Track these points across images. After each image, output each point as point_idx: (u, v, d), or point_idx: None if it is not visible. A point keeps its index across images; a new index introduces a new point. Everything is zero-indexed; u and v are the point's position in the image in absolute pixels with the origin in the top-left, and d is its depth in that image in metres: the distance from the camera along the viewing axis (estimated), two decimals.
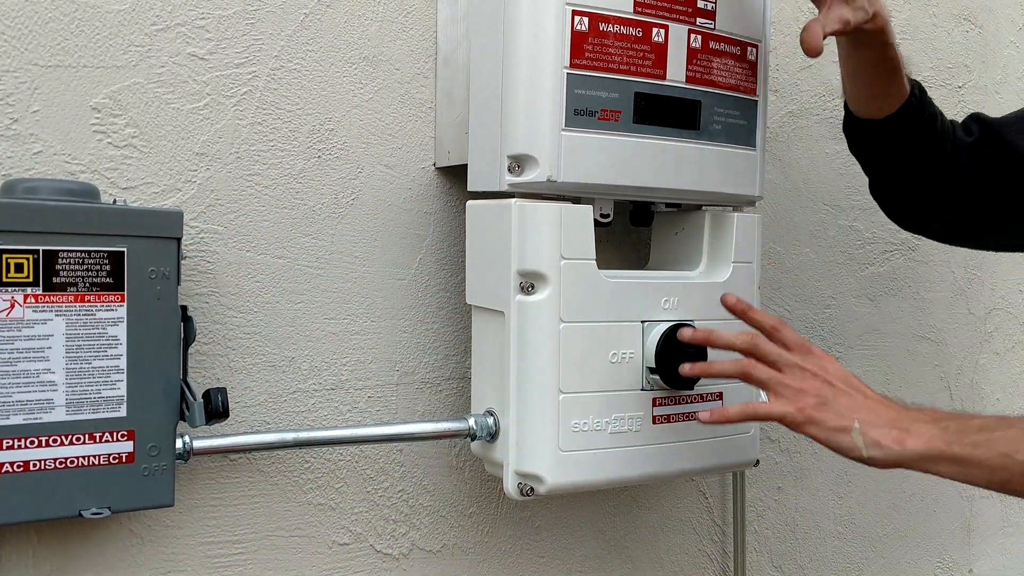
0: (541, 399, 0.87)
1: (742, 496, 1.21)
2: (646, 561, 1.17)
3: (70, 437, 0.76)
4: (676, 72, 0.91)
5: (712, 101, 0.93)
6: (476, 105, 0.90)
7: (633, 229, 1.08)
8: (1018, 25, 1.50)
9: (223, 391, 0.82)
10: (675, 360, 0.90)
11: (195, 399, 0.81)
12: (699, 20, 0.92)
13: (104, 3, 0.84)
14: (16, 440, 0.74)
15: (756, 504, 1.27)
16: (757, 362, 0.84)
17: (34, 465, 0.75)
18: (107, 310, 0.77)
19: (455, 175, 1.00)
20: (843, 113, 1.03)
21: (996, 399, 1.50)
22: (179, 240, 0.80)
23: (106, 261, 0.77)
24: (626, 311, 0.90)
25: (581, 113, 0.86)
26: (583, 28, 0.85)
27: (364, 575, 0.98)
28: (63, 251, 0.75)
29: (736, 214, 0.99)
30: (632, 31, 0.88)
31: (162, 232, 0.79)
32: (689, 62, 0.91)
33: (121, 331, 0.77)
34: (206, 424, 0.81)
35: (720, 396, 0.96)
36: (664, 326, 0.91)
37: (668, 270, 1.02)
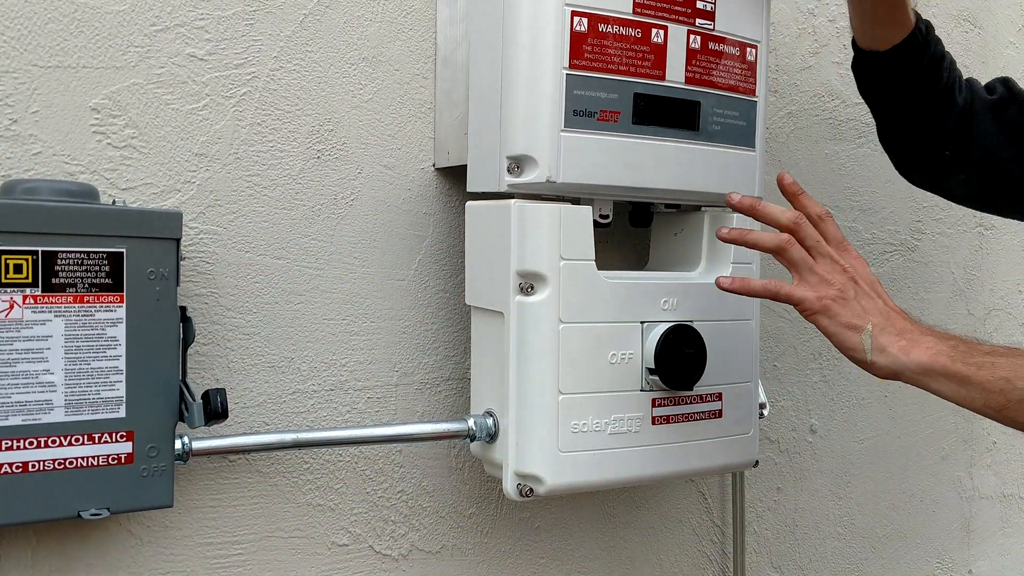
0: (540, 400, 0.87)
1: (741, 497, 1.21)
2: (646, 562, 1.17)
3: (69, 438, 0.76)
4: (675, 73, 0.91)
5: (711, 102, 0.93)
6: (475, 106, 0.90)
7: (632, 230, 1.08)
8: (1017, 26, 1.50)
9: (222, 392, 0.82)
10: (675, 361, 0.90)
11: (194, 400, 0.81)
12: (698, 21, 0.92)
13: (103, 4, 0.84)
14: (15, 441, 0.74)
15: (756, 504, 1.27)
16: (795, 241, 0.84)
17: (33, 466, 0.75)
18: (106, 311, 0.77)
19: (454, 176, 1.00)
20: (852, 55, 1.02)
21: None
22: (178, 241, 0.80)
23: (105, 262, 0.77)
24: (625, 312, 0.90)
25: (580, 114, 0.86)
26: (582, 29, 0.85)
27: None
28: (62, 252, 0.75)
29: (735, 215, 0.99)
30: (631, 32, 0.88)
31: (161, 233, 0.79)
32: (688, 63, 0.91)
33: (120, 332, 0.77)
34: (205, 425, 0.81)
35: (720, 397, 0.96)
36: (663, 327, 0.91)
37: (667, 271, 1.02)
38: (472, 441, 0.91)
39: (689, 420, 0.94)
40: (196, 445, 0.82)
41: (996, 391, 0.76)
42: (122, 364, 0.78)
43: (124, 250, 0.77)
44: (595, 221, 0.90)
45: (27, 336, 0.74)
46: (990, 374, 0.76)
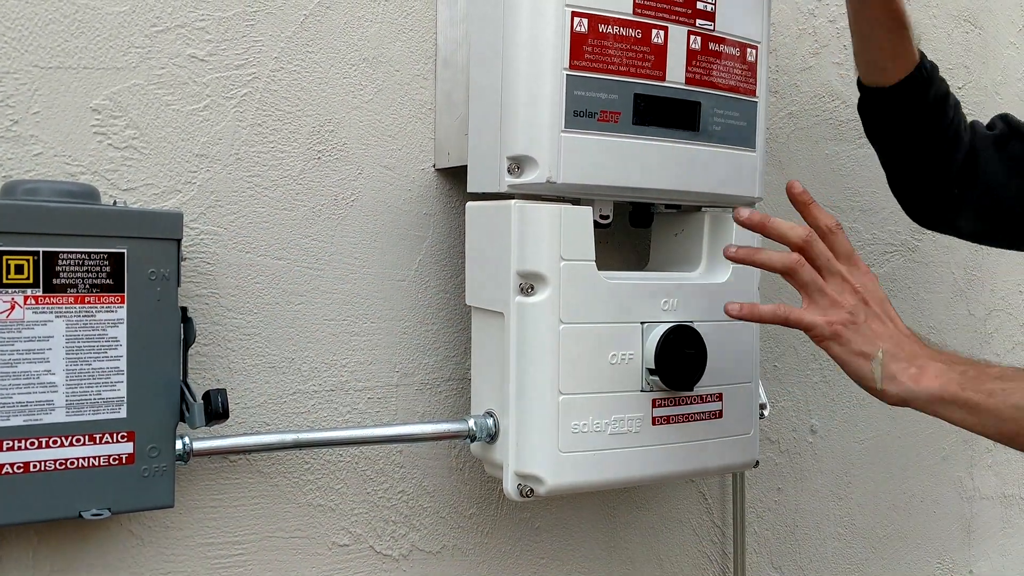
0: (541, 400, 0.87)
1: (742, 497, 1.21)
2: (646, 562, 1.17)
3: (70, 438, 0.76)
4: (676, 73, 0.91)
5: (712, 102, 0.93)
6: (476, 106, 0.91)
7: (633, 230, 1.08)
8: (1018, 26, 1.50)
9: (223, 392, 0.82)
10: (675, 361, 0.90)
11: (195, 400, 0.81)
12: (699, 21, 0.92)
13: (104, 5, 0.84)
14: (16, 441, 0.74)
15: (756, 505, 1.27)
16: (805, 262, 0.82)
17: (34, 466, 0.75)
18: (107, 311, 0.77)
19: (455, 176, 1.00)
20: (857, 96, 1.03)
21: None
22: (179, 241, 0.80)
23: (106, 262, 0.77)
24: (626, 312, 0.90)
25: (581, 114, 0.86)
26: (582, 29, 0.85)
27: None
28: (63, 252, 0.75)
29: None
30: (631, 32, 0.88)
31: (162, 233, 0.79)
32: (689, 63, 0.91)
33: (121, 332, 0.78)
34: (206, 425, 0.81)
35: (720, 397, 0.96)
36: (664, 327, 0.91)
37: (668, 271, 1.02)
38: (472, 441, 0.91)
39: (689, 420, 0.94)
40: (197, 445, 0.82)
41: (1008, 419, 0.75)
42: (123, 364, 0.78)
43: (125, 251, 0.77)
44: (595, 221, 0.90)
45: (28, 336, 0.74)
46: (1001, 401, 0.75)
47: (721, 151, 0.95)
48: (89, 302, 0.76)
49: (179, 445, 0.81)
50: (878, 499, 1.39)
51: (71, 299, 0.76)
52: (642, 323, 0.91)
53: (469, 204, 0.93)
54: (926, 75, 0.99)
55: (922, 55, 1.00)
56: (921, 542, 1.44)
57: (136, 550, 0.87)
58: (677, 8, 0.90)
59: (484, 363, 0.93)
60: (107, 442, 0.77)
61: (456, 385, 1.02)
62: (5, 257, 0.73)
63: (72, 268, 0.75)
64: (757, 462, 1.02)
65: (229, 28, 0.90)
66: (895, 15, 0.95)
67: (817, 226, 0.85)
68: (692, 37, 0.91)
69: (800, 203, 0.86)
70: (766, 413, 1.06)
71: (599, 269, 0.89)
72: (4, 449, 0.74)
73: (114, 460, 0.78)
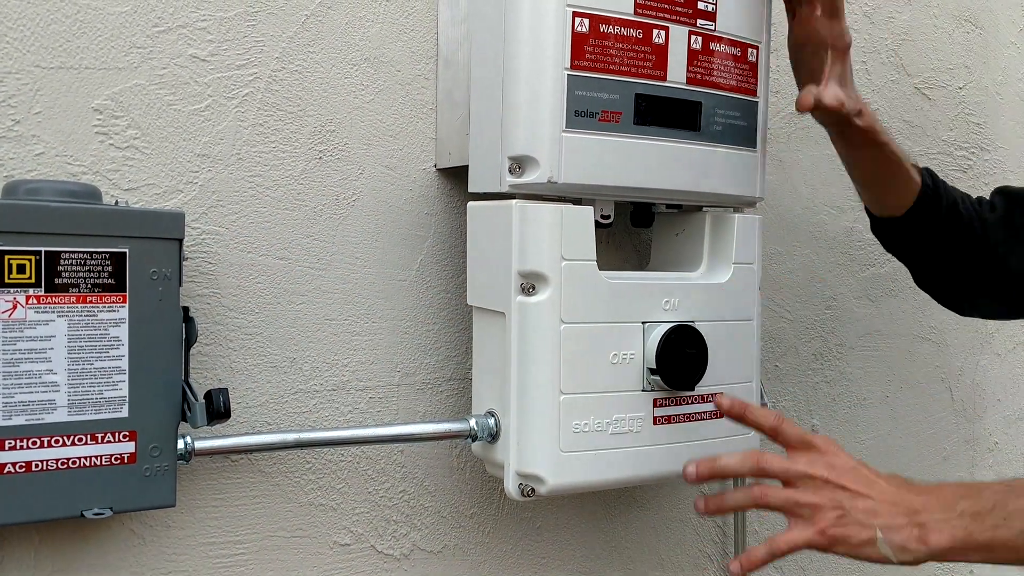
0: (542, 400, 0.87)
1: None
2: (646, 562, 1.17)
3: (72, 438, 0.76)
4: (677, 73, 0.91)
5: (713, 102, 0.93)
6: (477, 106, 0.91)
7: (634, 230, 1.08)
8: (1019, 26, 1.50)
9: (225, 392, 0.82)
10: (676, 361, 0.91)
11: (197, 400, 0.81)
12: (699, 21, 0.92)
13: (106, 5, 0.85)
14: (18, 440, 0.74)
15: None
16: (767, 487, 0.82)
17: (36, 466, 0.75)
18: (109, 311, 0.77)
19: (456, 176, 1.00)
20: (868, 219, 1.06)
21: (997, 399, 1.50)
22: (181, 241, 0.80)
23: (108, 262, 0.77)
24: (627, 312, 0.90)
25: (582, 114, 0.86)
26: (583, 29, 0.85)
27: None
28: (65, 252, 0.75)
29: (737, 215, 0.99)
30: (632, 32, 0.88)
31: (164, 233, 0.79)
32: (690, 63, 0.91)
33: (123, 332, 0.78)
34: (208, 425, 0.81)
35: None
36: (665, 327, 0.91)
37: (669, 271, 1.02)
38: (474, 441, 0.91)
39: (690, 420, 0.94)
40: (198, 445, 0.82)
41: (1021, 546, 0.75)
42: (125, 364, 0.78)
43: (127, 250, 0.77)
44: (596, 221, 0.90)
45: (30, 336, 0.74)
46: (1008, 531, 0.75)
47: (722, 151, 0.95)
48: (91, 302, 0.76)
49: (181, 444, 0.81)
50: None
51: (73, 299, 0.76)
52: (643, 323, 0.91)
53: (470, 204, 0.93)
54: (932, 192, 1.00)
55: (921, 172, 1.01)
56: None
57: (138, 549, 0.87)
58: (678, 8, 0.90)
59: (485, 363, 0.93)
60: (109, 441, 0.77)
61: (457, 385, 1.02)
62: (7, 257, 0.73)
63: (74, 268, 0.75)
64: None
65: (231, 28, 0.90)
66: (889, 159, 0.97)
67: (762, 429, 0.84)
68: (693, 37, 0.91)
69: (735, 415, 0.85)
70: None
71: (600, 269, 0.89)
72: (6, 448, 0.74)
73: (116, 459, 0.78)
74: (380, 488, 0.99)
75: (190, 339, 0.82)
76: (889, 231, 1.05)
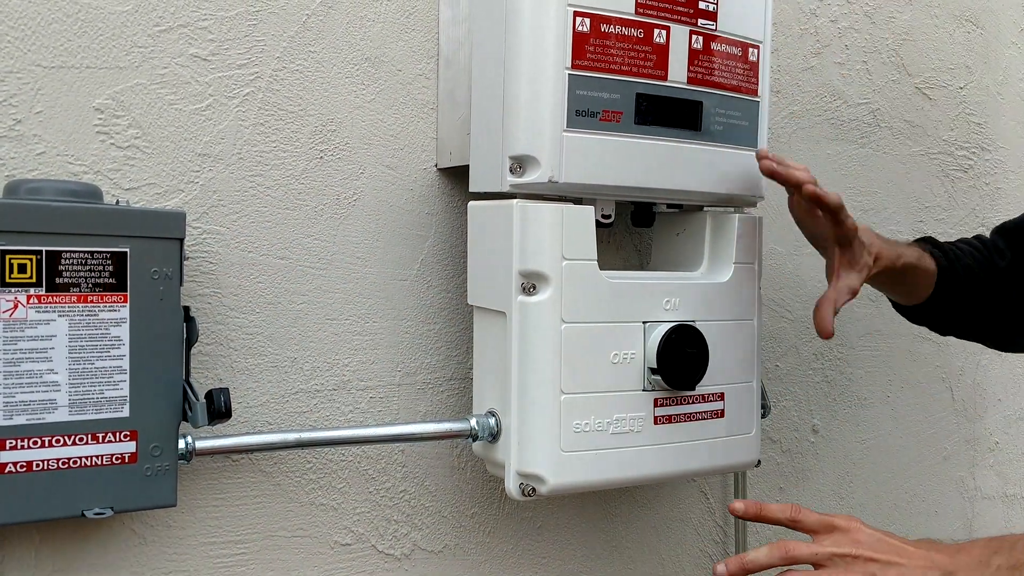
0: (543, 399, 0.87)
1: (743, 497, 1.21)
2: (647, 561, 1.17)
3: (73, 437, 0.76)
4: (678, 73, 0.91)
5: (713, 102, 0.94)
6: (478, 106, 0.91)
7: (634, 230, 1.08)
8: (1020, 26, 1.50)
9: (225, 391, 0.82)
10: (677, 360, 0.91)
11: (197, 399, 0.81)
12: (700, 21, 0.92)
13: (107, 4, 0.85)
14: (19, 440, 0.74)
15: None
16: (798, 573, 0.81)
17: (37, 465, 0.75)
18: (110, 311, 0.77)
19: (457, 176, 1.00)
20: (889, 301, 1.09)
21: (998, 399, 1.50)
22: (182, 241, 0.80)
23: (109, 262, 0.77)
24: (627, 312, 0.90)
25: (582, 114, 0.86)
26: (584, 29, 0.85)
27: None
28: (66, 252, 0.75)
29: (737, 215, 0.99)
30: (633, 32, 0.88)
31: (165, 233, 0.79)
32: (691, 63, 0.91)
33: (124, 332, 0.78)
34: (208, 424, 0.81)
35: (721, 396, 0.96)
36: (666, 327, 0.91)
37: (669, 271, 1.02)
38: (474, 441, 0.91)
39: (691, 420, 0.94)
40: (199, 444, 0.82)
41: None
42: (126, 364, 0.78)
43: (128, 250, 0.77)
44: (597, 221, 0.90)
45: (31, 336, 0.74)
46: None
47: (723, 151, 0.95)
48: (92, 301, 0.76)
49: (182, 444, 0.81)
50: (880, 499, 1.39)
51: (74, 298, 0.76)
52: (644, 323, 0.91)
53: (471, 204, 0.93)
54: (946, 269, 1.02)
55: (933, 254, 1.02)
56: None
57: (138, 549, 0.87)
58: (679, 8, 0.90)
59: (486, 362, 0.93)
60: (110, 441, 0.77)
61: (458, 384, 1.02)
62: (8, 256, 0.73)
63: (75, 267, 0.75)
64: (759, 462, 1.02)
65: (232, 28, 0.90)
66: (905, 271, 0.99)
67: (780, 523, 0.84)
68: (694, 37, 0.91)
69: (751, 516, 0.84)
70: (768, 413, 1.07)
71: (601, 269, 0.89)
72: (7, 448, 0.74)
73: (117, 459, 0.78)
74: (381, 488, 0.99)
75: (191, 339, 0.82)
76: (915, 315, 1.08)
